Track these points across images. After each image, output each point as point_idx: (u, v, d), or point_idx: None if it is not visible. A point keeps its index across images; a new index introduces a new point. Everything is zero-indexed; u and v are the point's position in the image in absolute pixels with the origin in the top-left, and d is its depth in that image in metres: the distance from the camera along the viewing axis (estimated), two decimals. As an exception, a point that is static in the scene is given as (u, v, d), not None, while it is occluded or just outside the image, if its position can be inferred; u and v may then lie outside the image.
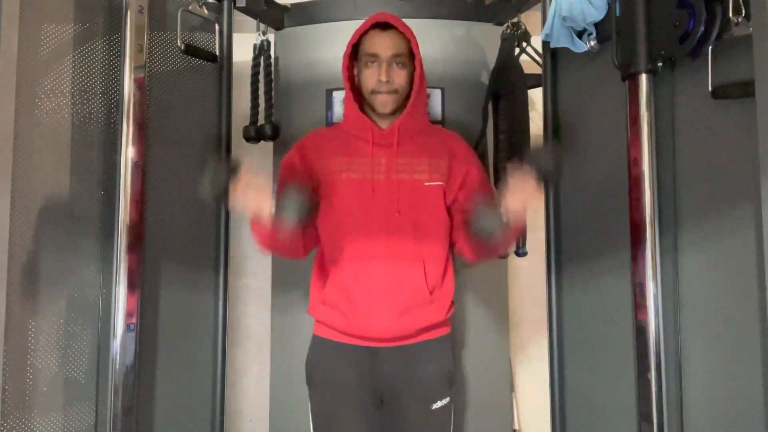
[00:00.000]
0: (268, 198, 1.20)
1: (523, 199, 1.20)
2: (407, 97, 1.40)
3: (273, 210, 1.19)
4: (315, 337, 1.47)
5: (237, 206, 1.21)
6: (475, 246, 1.37)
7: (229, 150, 1.79)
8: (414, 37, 1.37)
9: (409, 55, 1.38)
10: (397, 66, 1.36)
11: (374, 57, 1.35)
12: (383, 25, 1.35)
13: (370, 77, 1.36)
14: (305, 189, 1.22)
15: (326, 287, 1.41)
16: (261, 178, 1.22)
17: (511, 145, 1.78)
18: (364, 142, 1.40)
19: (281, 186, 1.46)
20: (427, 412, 1.39)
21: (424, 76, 1.39)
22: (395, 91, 1.37)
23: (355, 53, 1.41)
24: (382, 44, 1.35)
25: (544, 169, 1.17)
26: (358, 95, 1.44)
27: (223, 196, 1.20)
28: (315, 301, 1.46)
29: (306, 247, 1.43)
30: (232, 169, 1.21)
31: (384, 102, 1.38)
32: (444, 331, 1.46)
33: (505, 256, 1.89)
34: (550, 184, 1.23)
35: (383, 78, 1.34)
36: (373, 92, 1.37)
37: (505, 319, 1.97)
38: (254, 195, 1.21)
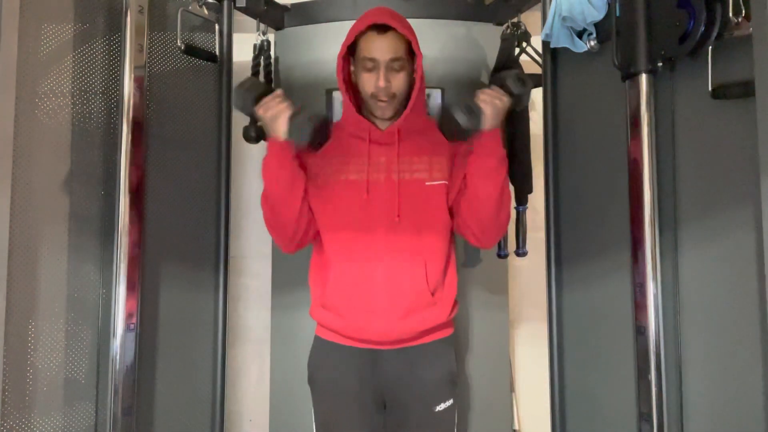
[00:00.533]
0: (286, 111, 1.25)
1: (494, 100, 1.24)
2: (406, 96, 1.40)
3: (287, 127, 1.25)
4: (317, 338, 1.47)
5: (260, 112, 1.27)
6: (468, 205, 1.35)
7: (228, 150, 1.79)
8: (414, 37, 1.34)
9: (408, 55, 1.36)
10: (395, 70, 1.33)
11: (372, 61, 1.32)
12: (381, 27, 1.31)
13: (368, 81, 1.34)
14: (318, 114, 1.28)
15: (327, 289, 1.39)
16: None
17: (511, 145, 1.78)
18: (363, 142, 1.39)
19: None
20: (430, 414, 1.39)
21: (423, 82, 1.37)
22: (393, 96, 1.35)
23: (351, 48, 1.38)
24: (380, 48, 1.31)
25: (515, 91, 1.26)
26: (355, 92, 1.43)
27: (251, 108, 1.28)
28: (315, 304, 1.45)
29: (303, 221, 1.38)
30: (264, 89, 1.30)
31: (383, 108, 1.37)
32: (447, 332, 1.45)
33: (504, 256, 1.89)
34: (517, 107, 1.31)
35: (381, 84, 1.32)
36: (372, 96, 1.36)
37: (505, 319, 1.97)
38: (277, 105, 1.26)
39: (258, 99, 1.28)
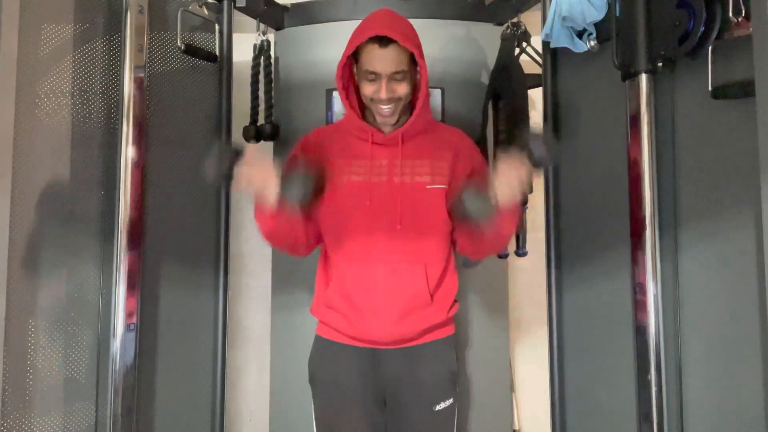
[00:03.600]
0: (273, 178, 1.20)
1: (512, 180, 1.18)
2: (410, 100, 1.39)
3: (278, 190, 1.19)
4: (318, 338, 1.47)
5: (242, 187, 1.21)
6: (468, 235, 1.36)
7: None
8: (417, 47, 1.31)
9: (411, 64, 1.34)
10: (397, 81, 1.31)
11: (374, 74, 1.30)
12: (383, 39, 1.27)
13: (369, 90, 1.32)
14: (311, 166, 1.21)
15: (329, 289, 1.40)
16: (266, 160, 1.21)
17: (511, 146, 1.78)
18: (366, 143, 1.40)
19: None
20: (430, 413, 1.39)
21: (427, 90, 1.36)
22: (398, 100, 1.33)
23: (354, 56, 1.36)
24: (382, 62, 1.28)
25: (537, 155, 1.15)
26: (357, 92, 1.41)
27: (227, 178, 1.20)
28: (318, 303, 1.45)
29: (308, 240, 1.40)
30: (236, 152, 1.20)
31: (386, 115, 1.34)
32: (447, 331, 1.45)
33: (504, 256, 1.88)
34: (543, 171, 1.20)
35: (383, 96, 1.30)
36: (374, 102, 1.34)
37: (505, 319, 1.97)
38: (260, 175, 1.20)
39: (232, 166, 1.18)
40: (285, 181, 1.18)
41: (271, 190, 1.19)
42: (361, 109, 1.42)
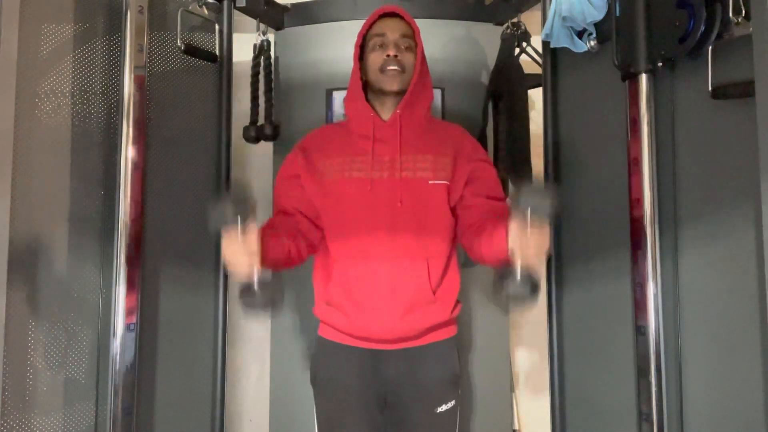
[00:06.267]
0: (255, 262, 1.14)
1: (532, 251, 1.08)
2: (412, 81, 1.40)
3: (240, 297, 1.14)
4: (320, 339, 1.47)
5: (226, 264, 1.16)
6: (471, 252, 1.37)
7: (229, 150, 1.79)
8: (417, 29, 1.40)
9: (414, 42, 1.40)
10: (404, 48, 1.38)
11: (382, 37, 1.38)
12: (390, 14, 1.40)
13: (378, 57, 1.38)
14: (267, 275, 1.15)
15: (330, 287, 1.40)
16: (251, 235, 1.12)
17: (511, 145, 1.78)
18: (366, 139, 1.40)
19: (279, 189, 1.46)
20: (431, 415, 1.39)
21: (426, 68, 1.41)
22: (403, 69, 1.37)
23: (361, 53, 1.42)
24: (390, 26, 1.38)
25: (539, 212, 1.07)
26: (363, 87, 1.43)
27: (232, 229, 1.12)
28: (319, 302, 1.45)
29: (309, 252, 1.43)
30: (242, 207, 1.12)
31: (392, 77, 1.37)
32: (450, 332, 1.45)
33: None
34: (545, 221, 1.09)
35: (391, 53, 1.36)
36: (381, 70, 1.37)
37: (505, 319, 1.97)
38: (242, 259, 1.14)
39: (237, 218, 1.11)
40: (243, 293, 1.13)
41: (247, 274, 1.14)
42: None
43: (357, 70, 1.41)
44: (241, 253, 1.13)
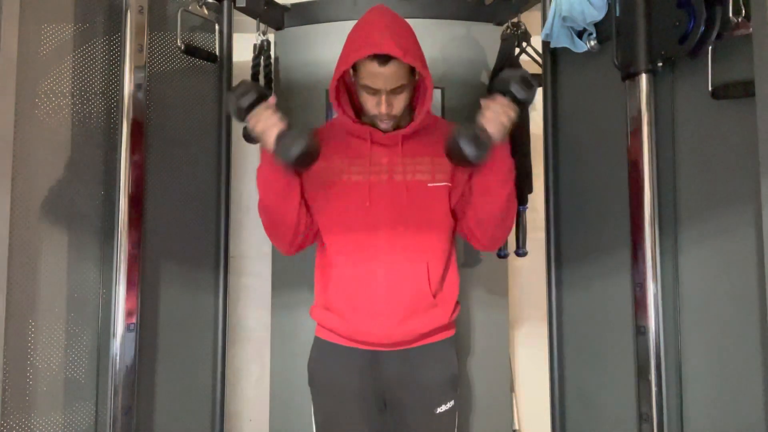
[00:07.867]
0: (276, 127, 1.21)
1: (498, 114, 1.21)
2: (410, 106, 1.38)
3: (273, 144, 1.21)
4: (317, 339, 1.46)
5: (251, 124, 1.23)
6: (474, 209, 1.35)
7: (228, 150, 1.79)
8: (419, 57, 1.28)
9: (410, 73, 1.31)
10: (397, 94, 1.30)
11: (374, 90, 1.29)
12: (382, 57, 1.23)
13: (369, 102, 1.32)
14: (309, 132, 1.23)
15: (329, 290, 1.39)
16: (270, 110, 1.23)
17: (511, 145, 1.78)
18: (365, 142, 1.38)
19: None
20: (430, 416, 1.38)
21: (431, 86, 1.32)
22: (397, 115, 1.33)
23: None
24: (382, 79, 1.26)
25: (515, 95, 1.22)
26: (349, 94, 1.40)
27: (244, 113, 1.23)
28: (317, 304, 1.45)
29: (296, 224, 1.36)
30: (259, 93, 1.23)
31: (386, 123, 1.35)
32: (448, 333, 1.44)
33: (504, 256, 1.88)
34: (525, 107, 1.26)
35: (384, 111, 1.30)
36: (373, 115, 1.34)
37: (505, 320, 1.97)
38: (269, 120, 1.21)
39: (251, 106, 1.22)
40: (280, 137, 1.20)
41: (270, 136, 1.21)
42: (356, 108, 1.41)
43: (335, 99, 1.34)
44: (267, 117, 1.21)
